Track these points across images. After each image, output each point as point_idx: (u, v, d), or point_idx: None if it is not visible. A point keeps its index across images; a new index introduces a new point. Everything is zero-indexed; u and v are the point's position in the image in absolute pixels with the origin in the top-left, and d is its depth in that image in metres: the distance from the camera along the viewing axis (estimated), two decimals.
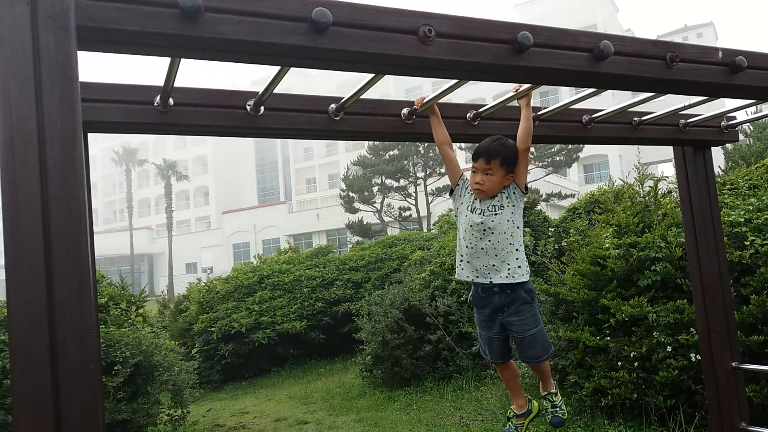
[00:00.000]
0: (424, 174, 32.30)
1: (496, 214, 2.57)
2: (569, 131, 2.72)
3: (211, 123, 2.13)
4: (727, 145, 8.77)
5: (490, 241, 2.56)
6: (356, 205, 32.96)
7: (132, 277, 43.92)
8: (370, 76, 1.94)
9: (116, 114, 2.02)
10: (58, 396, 1.14)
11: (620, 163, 44.05)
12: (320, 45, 1.49)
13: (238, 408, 8.73)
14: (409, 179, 32.39)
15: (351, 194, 32.77)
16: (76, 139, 1.20)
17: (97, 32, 1.31)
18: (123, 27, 1.31)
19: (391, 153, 31.75)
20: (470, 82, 1.96)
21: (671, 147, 3.13)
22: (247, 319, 11.02)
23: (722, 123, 3.00)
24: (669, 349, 4.50)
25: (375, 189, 32.63)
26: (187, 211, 62.53)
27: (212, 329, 10.99)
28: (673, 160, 3.25)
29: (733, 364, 3.00)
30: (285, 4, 1.45)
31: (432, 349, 7.77)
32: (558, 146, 30.43)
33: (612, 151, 45.06)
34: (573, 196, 30.80)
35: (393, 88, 51.63)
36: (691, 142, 3.03)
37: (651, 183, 5.68)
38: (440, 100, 2.35)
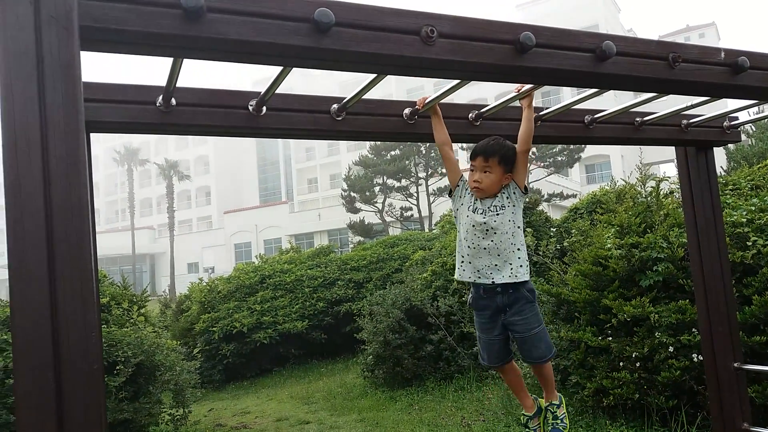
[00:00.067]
0: (425, 174, 32.30)
1: (498, 214, 2.58)
2: (571, 131, 2.72)
3: (213, 123, 2.13)
4: (729, 145, 8.76)
5: (492, 240, 2.56)
6: (358, 205, 32.97)
7: (134, 277, 43.96)
8: (373, 76, 1.94)
9: (119, 114, 2.02)
10: (60, 395, 1.14)
11: (622, 163, 43.99)
12: (322, 45, 1.49)
13: (239, 408, 8.74)
14: (411, 179, 32.40)
15: (352, 194, 32.78)
16: (80, 140, 1.20)
17: (100, 32, 1.31)
18: (126, 27, 1.32)
19: (392, 153, 31.75)
20: (472, 82, 1.96)
21: (673, 147, 3.13)
22: (249, 318, 11.03)
23: (724, 123, 3.00)
24: (671, 349, 4.50)
25: (376, 189, 32.64)
26: (188, 210, 62.58)
27: (214, 329, 11.00)
28: (675, 161, 3.24)
29: (735, 364, 2.99)
30: (287, 4, 1.45)
31: (433, 349, 7.76)
32: (560, 146, 30.40)
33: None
34: (575, 196, 30.71)
35: (395, 88, 51.62)
36: (693, 142, 3.02)
37: (653, 183, 5.67)
38: (442, 101, 2.35)
